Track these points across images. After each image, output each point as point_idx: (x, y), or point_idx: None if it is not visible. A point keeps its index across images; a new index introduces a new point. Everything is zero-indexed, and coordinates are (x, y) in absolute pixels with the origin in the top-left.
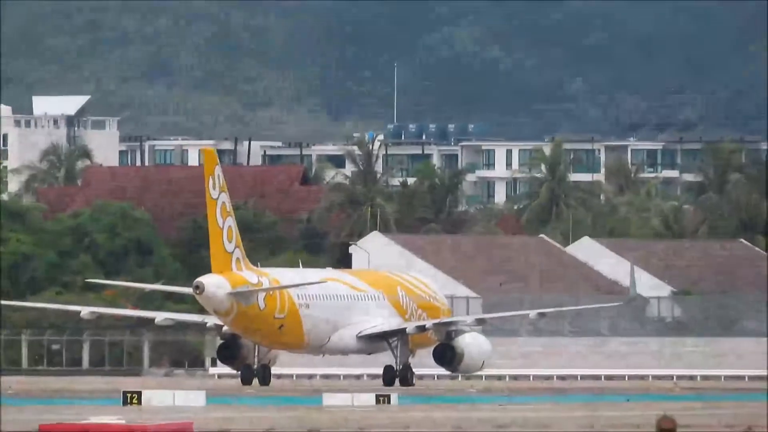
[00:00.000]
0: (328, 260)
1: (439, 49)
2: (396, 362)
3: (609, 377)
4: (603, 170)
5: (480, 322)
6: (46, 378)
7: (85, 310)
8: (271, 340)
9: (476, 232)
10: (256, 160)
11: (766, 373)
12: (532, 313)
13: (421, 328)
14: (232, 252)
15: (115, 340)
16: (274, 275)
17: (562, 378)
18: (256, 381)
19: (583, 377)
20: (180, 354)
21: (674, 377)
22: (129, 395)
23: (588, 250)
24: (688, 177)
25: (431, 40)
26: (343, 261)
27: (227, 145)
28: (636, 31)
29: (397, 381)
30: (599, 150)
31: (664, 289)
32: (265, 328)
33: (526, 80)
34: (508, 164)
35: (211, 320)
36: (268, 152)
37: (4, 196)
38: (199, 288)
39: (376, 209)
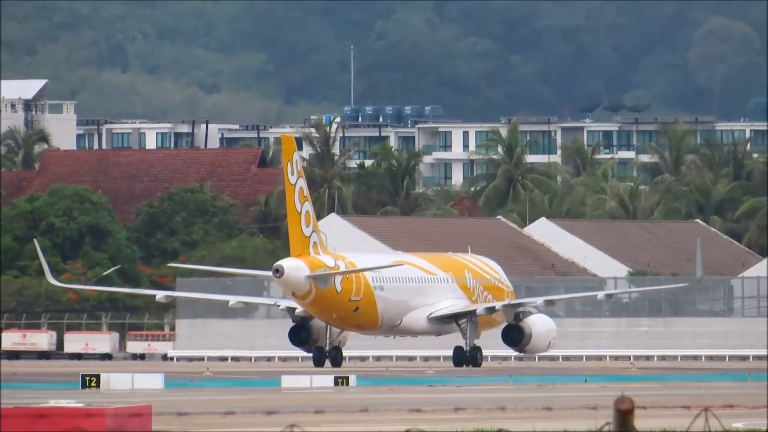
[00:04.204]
0: (285, 244)
1: (393, 33)
2: (466, 343)
3: (566, 358)
4: (559, 152)
5: (548, 303)
6: (4, 361)
7: (159, 294)
8: (346, 322)
9: (432, 214)
10: (214, 142)
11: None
12: (600, 294)
13: (491, 310)
14: (310, 236)
15: (74, 323)
16: (351, 259)
17: (519, 359)
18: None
19: (540, 358)
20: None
21: (631, 357)
22: (87, 378)
23: (545, 232)
24: (644, 158)
25: (385, 25)
26: None
27: (184, 128)
28: (601, 14)
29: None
30: (555, 131)
31: (621, 270)
32: (342, 310)
33: (478, 63)
34: (465, 146)
35: (283, 303)
36: (225, 135)
37: None
38: (278, 271)
39: (333, 192)
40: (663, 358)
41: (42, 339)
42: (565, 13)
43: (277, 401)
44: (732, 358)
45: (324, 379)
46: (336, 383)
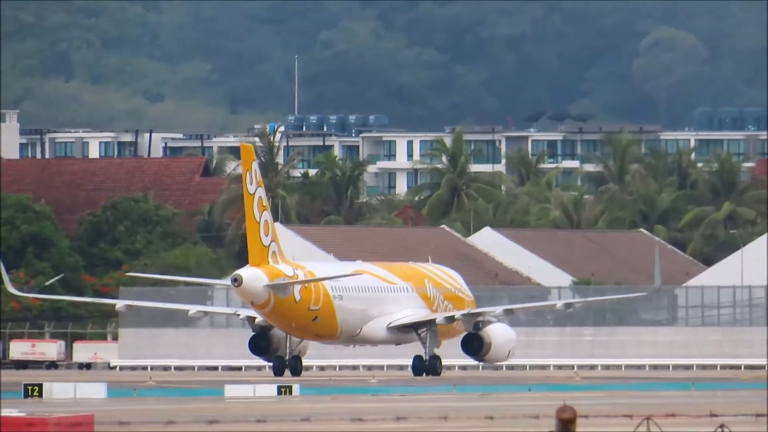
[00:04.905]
0: (228, 253)
1: (338, 42)
2: (425, 352)
3: (510, 367)
4: (504, 161)
5: (508, 312)
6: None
7: (120, 304)
8: (305, 331)
9: (377, 223)
10: (157, 152)
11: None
12: (559, 303)
13: (450, 319)
14: (269, 245)
15: (16, 332)
16: (310, 268)
17: (463, 368)
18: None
19: (484, 367)
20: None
21: (575, 367)
22: (30, 388)
23: (489, 241)
24: (588, 167)
25: (330, 34)
26: (244, 254)
27: (128, 137)
28: (546, 23)
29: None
30: (500, 141)
31: (565, 279)
32: (301, 319)
33: (423, 73)
34: (409, 155)
35: (244, 312)
36: (169, 144)
37: None
38: (237, 280)
39: (277, 201)
40: (607, 367)
41: (51, 349)
42: (510, 23)
43: (219, 411)
44: (676, 367)
45: (267, 389)
46: (279, 392)
